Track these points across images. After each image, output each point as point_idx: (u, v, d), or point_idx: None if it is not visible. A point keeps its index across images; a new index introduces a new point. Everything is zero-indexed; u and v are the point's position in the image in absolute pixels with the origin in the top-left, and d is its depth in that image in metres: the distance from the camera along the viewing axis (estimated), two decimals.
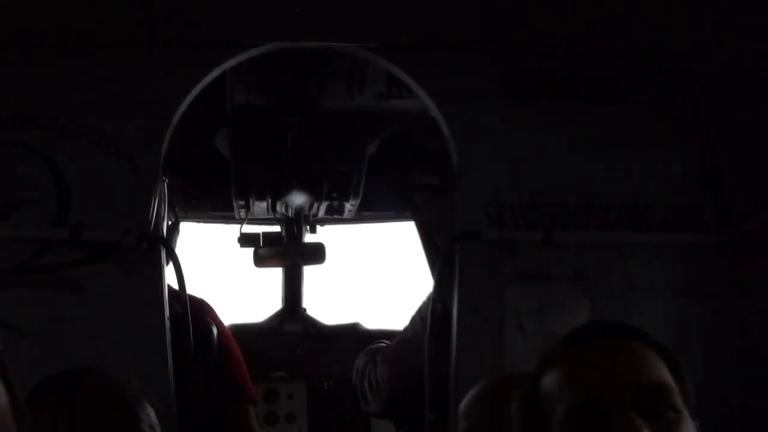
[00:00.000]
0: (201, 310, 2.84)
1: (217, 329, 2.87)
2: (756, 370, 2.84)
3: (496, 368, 2.57)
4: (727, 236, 2.90)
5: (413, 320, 3.17)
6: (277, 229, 4.41)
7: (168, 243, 2.82)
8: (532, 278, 2.76)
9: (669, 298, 2.86)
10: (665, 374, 1.29)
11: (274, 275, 4.71)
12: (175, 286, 2.75)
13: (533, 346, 2.66)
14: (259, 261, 4.27)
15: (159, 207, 2.75)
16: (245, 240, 4.32)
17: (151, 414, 1.81)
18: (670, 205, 2.93)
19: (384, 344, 3.45)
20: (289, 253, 4.30)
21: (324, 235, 4.57)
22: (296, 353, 4.41)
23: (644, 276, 2.85)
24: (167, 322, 2.64)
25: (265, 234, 4.35)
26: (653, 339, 1.36)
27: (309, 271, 4.65)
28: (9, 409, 1.00)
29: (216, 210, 4.32)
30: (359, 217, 4.30)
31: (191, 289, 2.83)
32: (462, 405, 2.09)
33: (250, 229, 4.39)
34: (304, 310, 4.60)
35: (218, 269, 4.99)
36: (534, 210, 2.85)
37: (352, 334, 4.48)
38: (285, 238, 4.32)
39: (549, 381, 1.35)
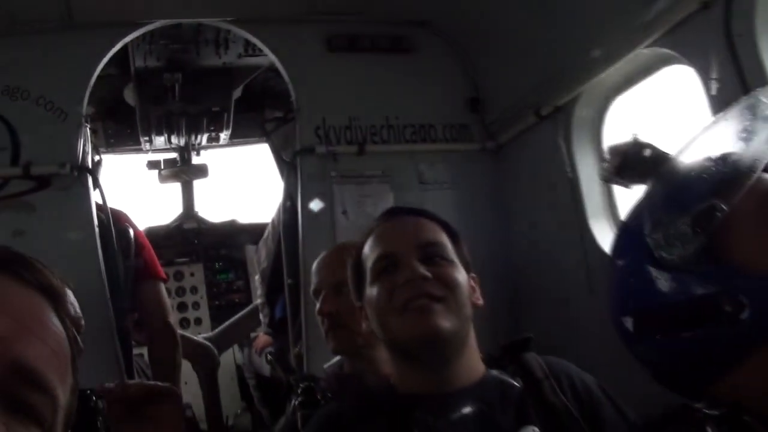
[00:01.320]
0: (120, 218, 3.19)
1: (133, 231, 3.23)
2: (513, 233, 3.45)
3: (331, 241, 3.04)
4: (489, 145, 3.51)
5: (277, 212, 3.62)
6: (173, 155, 5.05)
7: (93, 172, 3.12)
8: (351, 178, 3.29)
9: (448, 189, 3.44)
10: (440, 236, 1.61)
11: (174, 189, 5.33)
12: (101, 202, 3.13)
13: (354, 224, 3.17)
14: (162, 179, 5.04)
15: (84, 146, 3.09)
16: (151, 165, 5.03)
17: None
18: (448, 124, 3.51)
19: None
20: (183, 172, 5.00)
21: (207, 157, 5.20)
22: (194, 243, 5.20)
23: (431, 174, 3.44)
24: (96, 229, 3.00)
25: (165, 160, 5.03)
26: (435, 216, 1.70)
27: (198, 184, 5.30)
28: None
29: (128, 145, 4.85)
30: (231, 143, 4.85)
31: (113, 204, 3.22)
32: (312, 269, 2.35)
33: (153, 157, 5.05)
34: (197, 212, 5.32)
35: (136, 188, 5.60)
36: (351, 130, 3.37)
37: (231, 227, 5.31)
38: (179, 162, 5.00)
39: (366, 247, 1.67)
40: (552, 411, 1.57)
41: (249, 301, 4.88)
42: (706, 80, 2.19)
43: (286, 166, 3.51)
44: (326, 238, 3.15)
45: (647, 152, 1.18)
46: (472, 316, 1.61)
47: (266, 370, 4.04)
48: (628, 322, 1.09)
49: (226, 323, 4.68)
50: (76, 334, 0.86)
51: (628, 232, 1.16)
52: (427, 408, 1.53)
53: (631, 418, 1.59)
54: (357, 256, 1.72)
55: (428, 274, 1.54)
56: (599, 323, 2.50)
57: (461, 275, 1.61)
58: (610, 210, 2.99)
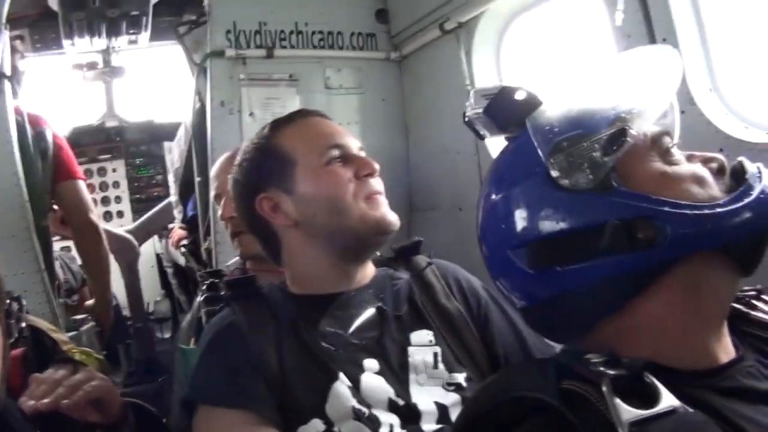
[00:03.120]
0: (38, 121, 3.07)
1: (51, 132, 3.12)
2: (413, 141, 3.41)
3: (238, 142, 2.71)
4: (394, 55, 3.38)
5: (183, 126, 3.54)
6: (96, 57, 4.87)
7: (11, 78, 2.95)
8: (259, 81, 3.11)
9: (353, 95, 3.34)
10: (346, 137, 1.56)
11: (98, 90, 5.18)
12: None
13: (260, 126, 3.02)
14: (85, 80, 4.89)
15: (3, 52, 2.89)
16: (75, 67, 4.86)
17: None
18: (355, 32, 3.36)
19: None
20: (104, 74, 4.87)
21: (127, 59, 5.04)
22: (116, 141, 5.13)
23: (336, 80, 3.30)
24: (13, 133, 2.82)
25: (88, 62, 4.85)
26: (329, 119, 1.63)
27: (119, 86, 5.19)
28: None
29: (53, 49, 4.52)
30: (149, 46, 4.60)
31: (36, 107, 3.13)
32: (212, 173, 2.36)
33: (78, 59, 4.84)
34: (118, 113, 5.22)
35: (62, 90, 5.32)
36: (261, 35, 3.19)
37: (150, 126, 5.23)
38: (101, 64, 4.85)
39: (287, 136, 1.54)
40: (444, 314, 1.53)
41: (168, 194, 4.72)
42: (611, 9, 2.04)
43: (197, 68, 3.35)
44: (234, 139, 3.02)
45: (520, 95, 1.04)
46: None
47: (182, 260, 3.97)
48: (520, 255, 0.97)
49: (145, 217, 4.69)
50: None
51: (517, 157, 1.02)
52: (322, 311, 1.46)
53: (516, 322, 1.54)
54: (269, 139, 1.57)
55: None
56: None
57: None
58: None
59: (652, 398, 0.81)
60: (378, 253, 1.67)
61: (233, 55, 3.13)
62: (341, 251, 1.50)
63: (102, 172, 5.16)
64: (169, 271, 4.50)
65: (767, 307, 1.05)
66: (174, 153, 3.84)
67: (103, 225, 4.21)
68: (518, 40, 2.88)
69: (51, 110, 4.10)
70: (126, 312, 4.38)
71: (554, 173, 0.94)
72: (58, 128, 3.42)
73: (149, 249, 4.77)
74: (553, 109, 1.02)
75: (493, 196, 1.02)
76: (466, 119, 1.11)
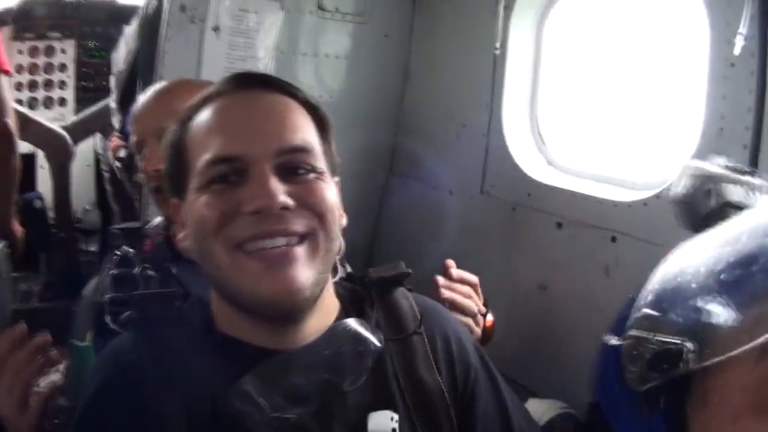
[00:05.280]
0: None
1: None
2: (413, 94, 2.85)
3: (193, 60, 2.50)
4: None
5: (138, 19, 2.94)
6: None
7: None
8: None
9: (352, 22, 2.74)
10: (310, 133, 1.14)
11: None
12: None
13: (225, 45, 2.53)
14: None
15: None
16: None
17: None
18: None
19: None
20: None
21: None
22: (71, 17, 4.49)
23: (334, 1, 2.68)
24: None
25: None
26: (304, 97, 1.18)
27: None
28: None
29: None
30: None
31: None
32: (132, 115, 1.96)
33: None
34: None
35: None
36: None
37: (110, 5, 4.58)
38: None
39: (196, 124, 1.15)
40: (419, 390, 1.20)
41: None
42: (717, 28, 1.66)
43: None
44: (190, 56, 2.52)
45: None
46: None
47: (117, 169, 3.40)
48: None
49: (85, 112, 4.06)
50: None
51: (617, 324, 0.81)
52: (255, 370, 1.09)
53: (506, 400, 1.28)
54: (180, 131, 1.18)
55: (290, 201, 1.06)
56: (487, 229, 2.39)
57: (332, 192, 1.14)
58: (530, 110, 2.37)
59: None
60: (340, 273, 1.38)
61: None
62: (238, 309, 1.13)
63: (50, 51, 4.46)
64: (106, 176, 3.92)
65: None
66: (120, 51, 3.17)
67: (42, 115, 3.97)
68: (576, 11, 2.29)
69: None
70: (51, 214, 3.96)
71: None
72: None
73: (88, 146, 4.18)
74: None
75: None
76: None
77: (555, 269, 2.10)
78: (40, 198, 3.84)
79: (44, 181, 4.01)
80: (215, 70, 2.52)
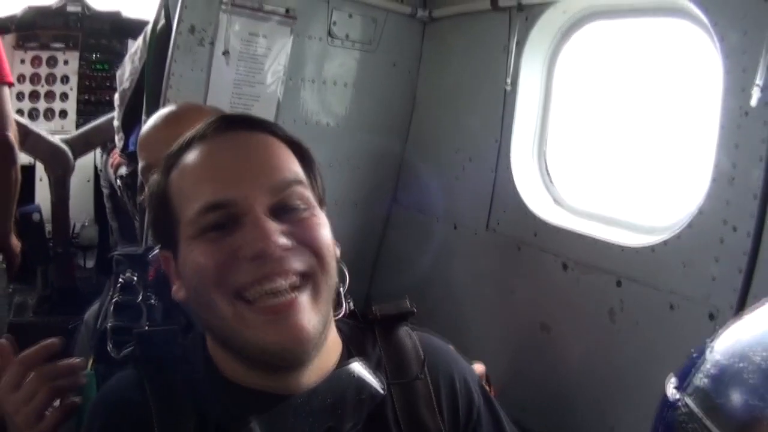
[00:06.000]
0: None
1: None
2: (418, 128, 2.86)
3: (202, 82, 2.51)
4: (421, 14, 2.75)
5: (152, 25, 2.86)
6: None
7: None
8: (246, 10, 2.51)
9: (359, 50, 2.76)
10: (296, 170, 1.13)
11: None
12: None
13: (233, 70, 2.54)
14: None
15: None
16: None
17: None
18: None
19: None
20: None
21: None
22: (75, 28, 4.51)
23: (343, 28, 2.71)
24: None
25: None
26: (284, 134, 1.18)
27: None
28: None
29: None
30: None
31: None
32: (140, 140, 1.91)
33: None
34: None
35: None
36: None
37: (116, 18, 4.59)
38: None
39: (179, 171, 1.13)
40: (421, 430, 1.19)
41: None
42: (733, 73, 1.64)
43: None
44: (197, 78, 2.53)
45: None
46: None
47: (117, 186, 3.49)
48: None
49: (87, 127, 4.02)
50: None
51: None
52: (258, 416, 1.08)
53: None
54: (163, 178, 1.16)
55: (288, 241, 1.05)
56: (492, 266, 2.37)
57: (326, 228, 1.13)
58: (539, 148, 2.36)
59: None
60: (344, 309, 1.32)
61: None
62: (243, 361, 1.11)
63: (52, 62, 4.47)
64: (106, 192, 3.96)
65: None
66: (125, 68, 3.12)
67: (42, 126, 3.94)
68: (585, 50, 2.28)
69: None
70: (49, 227, 3.92)
71: None
72: (10, 6, 3.17)
73: (88, 161, 4.20)
74: None
75: None
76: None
77: (558, 310, 2.08)
78: (39, 211, 3.79)
79: (43, 194, 4.01)
80: (223, 93, 2.54)
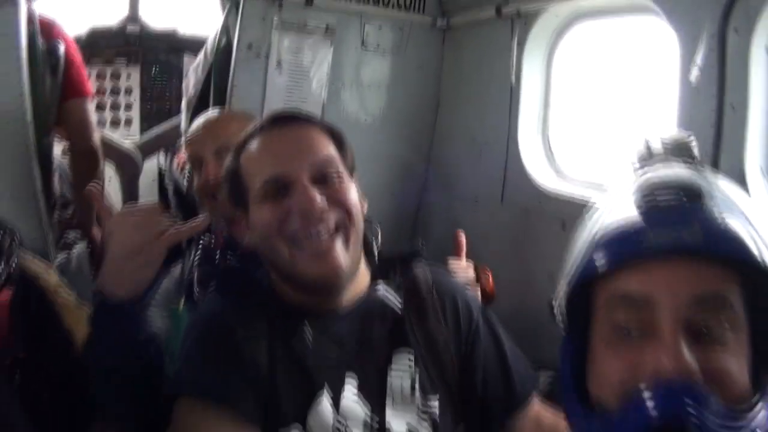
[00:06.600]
0: (52, 32, 2.84)
1: (64, 44, 2.88)
2: (441, 122, 3.26)
3: (260, 89, 2.90)
4: (440, 22, 3.14)
5: (212, 43, 3.25)
6: None
7: None
8: (294, 27, 2.91)
9: (389, 56, 3.13)
10: (331, 150, 1.47)
11: None
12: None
13: (286, 78, 2.94)
14: None
15: None
16: None
17: None
18: None
19: None
20: None
21: None
22: (135, 46, 4.91)
23: (374, 38, 3.08)
24: (23, 46, 2.53)
25: None
26: (322, 122, 1.57)
27: None
28: None
29: None
30: None
31: (45, 12, 2.81)
32: (187, 138, 2.27)
33: None
34: (141, 17, 4.94)
35: None
36: None
37: (172, 36, 5.00)
38: None
39: (248, 154, 1.50)
40: (430, 337, 1.52)
41: (180, 108, 4.50)
42: (685, 59, 1.93)
43: (229, 3, 3.05)
44: (256, 85, 2.94)
45: None
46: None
47: (184, 183, 3.75)
48: None
49: (153, 132, 4.56)
50: None
51: None
52: (310, 323, 1.46)
53: (506, 353, 1.58)
54: (236, 159, 1.54)
55: (325, 204, 1.41)
56: (506, 232, 2.73)
57: (354, 191, 1.49)
58: (542, 131, 2.81)
59: None
60: (376, 249, 1.68)
61: None
62: (297, 287, 1.48)
63: (115, 76, 4.91)
64: (170, 189, 4.23)
65: None
66: (190, 79, 3.55)
67: (109, 134, 4.24)
68: (576, 47, 2.70)
69: (69, 8, 3.85)
70: None
71: None
72: (74, 28, 3.33)
73: (153, 163, 4.60)
74: None
75: None
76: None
77: (560, 261, 2.48)
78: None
79: (111, 193, 4.33)
80: (277, 98, 2.97)
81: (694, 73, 1.90)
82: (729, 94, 1.86)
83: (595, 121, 2.72)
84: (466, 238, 2.19)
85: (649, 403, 0.80)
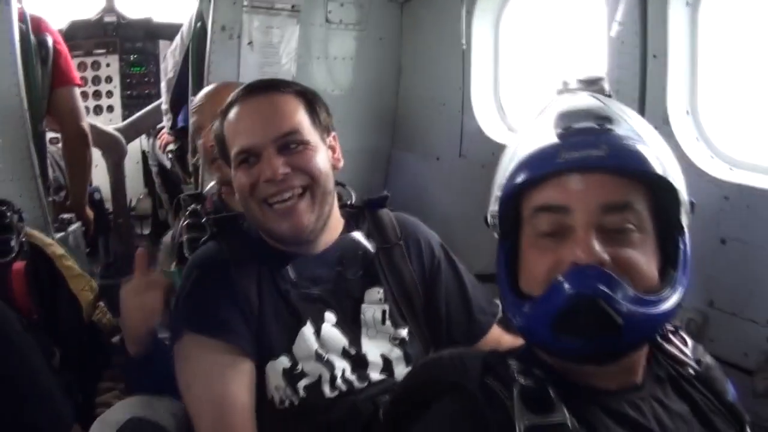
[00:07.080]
0: (40, 27, 3.06)
1: (52, 38, 3.10)
2: (403, 86, 3.48)
3: (234, 68, 3.05)
4: None
5: (187, 26, 3.43)
6: None
7: None
8: (262, 9, 3.06)
9: (353, 31, 3.33)
10: (299, 117, 1.57)
11: None
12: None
13: (257, 55, 3.10)
14: None
15: None
16: None
17: None
18: None
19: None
20: None
21: None
22: (113, 36, 5.08)
23: (338, 14, 3.28)
24: (16, 41, 2.78)
25: None
26: (292, 85, 1.65)
27: None
28: None
29: None
30: None
31: (32, 9, 3.04)
32: (192, 108, 2.43)
33: None
34: (116, 7, 5.10)
35: None
36: None
37: (147, 24, 5.17)
38: None
39: (227, 123, 1.62)
40: (398, 274, 1.67)
41: (159, 93, 4.66)
42: (610, 16, 2.10)
43: None
44: (231, 65, 3.09)
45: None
46: (334, 177, 1.63)
47: (168, 163, 4.03)
48: None
49: (134, 116, 4.69)
50: None
51: None
52: (292, 265, 1.60)
53: (465, 283, 1.71)
54: (221, 124, 1.67)
55: (287, 169, 1.53)
56: (465, 184, 2.86)
57: (321, 155, 1.59)
58: (493, 91, 3.06)
59: (551, 408, 0.94)
60: (349, 201, 1.81)
61: None
62: (273, 239, 1.64)
63: (96, 66, 5.09)
64: (154, 170, 4.55)
65: (680, 343, 1.16)
66: (168, 62, 3.75)
67: (92, 120, 4.17)
68: (521, 15, 2.92)
69: (50, 3, 3.99)
70: (109, 205, 4.49)
71: None
72: (55, 22, 3.40)
73: (135, 146, 4.80)
74: None
75: None
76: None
77: None
78: (98, 191, 4.23)
79: (98, 177, 4.46)
80: (250, 74, 3.09)
81: (614, 28, 2.10)
82: (651, 45, 2.04)
83: (539, 78, 2.96)
84: (430, 192, 2.29)
85: (566, 285, 0.95)
